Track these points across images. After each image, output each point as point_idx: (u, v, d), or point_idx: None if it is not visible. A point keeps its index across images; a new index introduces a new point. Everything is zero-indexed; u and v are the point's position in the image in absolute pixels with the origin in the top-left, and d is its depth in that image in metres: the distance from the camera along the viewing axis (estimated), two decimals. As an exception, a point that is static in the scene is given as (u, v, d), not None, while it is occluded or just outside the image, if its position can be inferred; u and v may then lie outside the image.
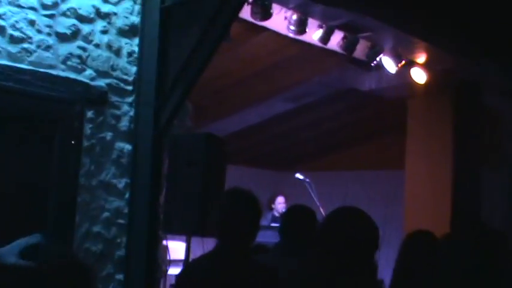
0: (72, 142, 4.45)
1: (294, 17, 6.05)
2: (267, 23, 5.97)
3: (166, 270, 5.55)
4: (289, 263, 3.23)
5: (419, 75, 7.33)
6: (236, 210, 3.04)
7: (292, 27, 6.10)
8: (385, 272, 4.75)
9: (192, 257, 4.84)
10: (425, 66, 7.31)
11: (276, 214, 8.37)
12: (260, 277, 2.94)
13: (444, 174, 8.10)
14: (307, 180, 7.87)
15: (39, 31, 4.40)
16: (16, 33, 4.29)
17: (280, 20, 6.07)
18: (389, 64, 7.07)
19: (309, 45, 6.58)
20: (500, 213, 8.14)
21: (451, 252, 3.21)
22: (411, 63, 7.28)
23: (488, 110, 8.22)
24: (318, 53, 6.88)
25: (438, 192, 8.07)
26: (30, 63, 4.33)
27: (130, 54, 4.90)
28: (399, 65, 7.12)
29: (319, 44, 6.49)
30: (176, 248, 5.82)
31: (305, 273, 2.70)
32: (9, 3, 4.27)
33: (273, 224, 7.43)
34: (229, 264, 2.98)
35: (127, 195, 4.75)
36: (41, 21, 4.42)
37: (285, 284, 2.80)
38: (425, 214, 7.92)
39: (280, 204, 8.57)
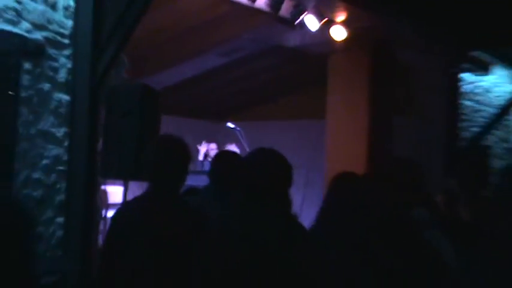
0: (10, 92, 4.20)
1: (224, -25, 5.87)
2: (199, -19, 5.77)
3: (106, 215, 5.45)
4: (214, 205, 3.21)
5: (339, 33, 7.29)
6: (166, 155, 2.98)
7: (222, -15, 5.92)
8: (311, 210, 4.76)
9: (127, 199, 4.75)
10: (345, 24, 7.27)
11: (209, 160, 8.31)
12: (188, 217, 2.89)
13: (361, 122, 8.20)
14: (238, 128, 7.82)
15: (-27, -17, 4.08)
16: (-51, -15, 3.96)
17: (212, -22, 5.88)
18: (311, 22, 6.99)
19: (239, 4, 6.41)
20: (408, 155, 8.34)
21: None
22: (332, 22, 7.22)
23: (402, 65, 8.32)
24: (247, 11, 6.73)
25: (355, 139, 8.18)
26: (-35, 15, 4.03)
27: (66, 8, 4.64)
28: (321, 23, 7.05)
29: (248, 3, 6.33)
30: (115, 192, 5.71)
31: (226, 214, 2.68)
32: None
33: (206, 168, 7.38)
34: (161, 205, 2.93)
35: (66, 143, 4.58)
36: (-25, -27, 4.10)
37: (212, 224, 2.74)
38: (344, 158, 8.02)
39: (212, 150, 8.51)
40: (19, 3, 4.31)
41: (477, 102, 9.92)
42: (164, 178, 2.97)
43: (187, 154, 3.07)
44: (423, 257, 2.74)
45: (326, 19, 7.13)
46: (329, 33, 7.26)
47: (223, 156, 4.04)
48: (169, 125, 5.17)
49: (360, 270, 2.73)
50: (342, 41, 7.39)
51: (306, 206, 8.55)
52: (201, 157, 8.37)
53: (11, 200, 1.70)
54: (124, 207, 3.29)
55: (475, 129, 9.65)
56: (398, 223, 2.94)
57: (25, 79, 4.33)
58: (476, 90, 9.89)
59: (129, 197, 4.77)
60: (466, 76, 9.40)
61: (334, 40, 7.39)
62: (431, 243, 3.00)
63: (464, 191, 6.14)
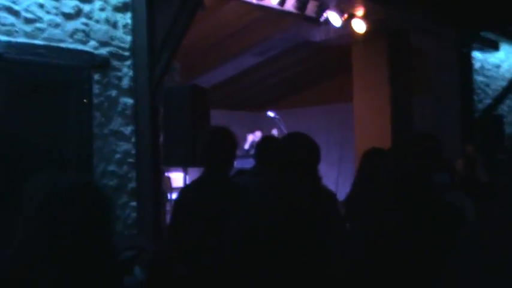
0: (85, 100, 4.42)
1: (255, -15, 5.95)
2: (233, -7, 5.87)
3: (169, 196, 5.63)
4: (258, 180, 3.30)
5: (359, 26, 7.29)
6: (216, 144, 3.05)
7: (254, -6, 6.01)
8: (346, 183, 4.82)
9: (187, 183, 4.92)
10: (364, 18, 7.26)
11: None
12: (235, 193, 2.98)
13: (384, 102, 8.16)
14: (277, 116, 7.92)
15: (48, 12, 4.30)
16: (29, 15, 4.19)
17: (244, -11, 5.98)
18: (334, 18, 7.01)
19: (269, 8, 6.48)
20: (426, 128, 8.30)
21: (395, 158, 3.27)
22: (352, 16, 7.22)
23: (415, 50, 8.25)
24: (277, 14, 6.80)
25: (379, 117, 8.15)
26: (44, 39, 4.25)
27: (125, 26, 4.81)
28: (343, 19, 7.07)
29: (278, 7, 6.40)
30: (177, 178, 5.88)
31: (262, 186, 2.78)
32: (20, -9, 4.16)
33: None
34: (213, 186, 3.02)
35: (133, 139, 4.77)
36: (49, 4, 4.31)
37: (254, 197, 2.85)
38: (371, 135, 8.03)
39: (257, 137, 8.62)
40: (86, 25, 4.52)
41: (488, 77, 9.73)
42: (215, 164, 3.04)
43: (233, 142, 3.13)
44: (444, 217, 2.74)
45: (347, 15, 7.13)
46: (350, 26, 7.26)
47: (265, 140, 4.13)
48: (217, 117, 5.29)
49: (385, 233, 2.73)
50: (363, 32, 7.38)
51: (341, 180, 8.61)
52: (247, 146, 8.49)
53: (95, 184, 1.72)
54: (184, 190, 3.40)
55: (487, 101, 9.49)
56: (420, 186, 2.92)
57: (96, 88, 4.54)
58: (487, 66, 9.70)
59: (189, 181, 4.96)
60: (477, 54, 9.24)
61: (355, 32, 7.39)
62: (452, 203, 3.01)
63: (481, 155, 6.12)
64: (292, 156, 2.61)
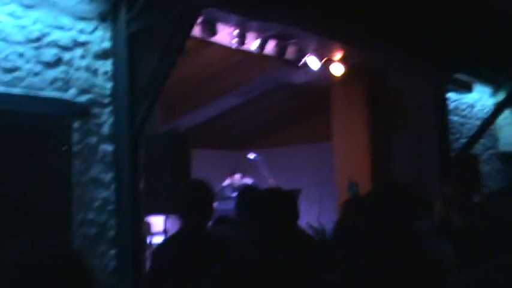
0: (63, 148, 4.33)
1: (236, 32, 5.97)
2: (214, 38, 5.87)
3: (150, 242, 5.50)
4: (239, 232, 3.27)
5: (337, 69, 7.35)
6: (193, 198, 3.04)
7: (234, 40, 6.02)
8: (327, 219, 4.78)
9: (169, 228, 4.82)
10: (342, 61, 7.33)
11: (234, 186, 8.32)
12: (214, 247, 2.94)
13: (362, 141, 8.22)
14: (257, 158, 7.86)
15: (27, 61, 4.23)
16: (8, 65, 4.11)
17: (225, 35, 5.98)
18: (313, 62, 7.06)
19: (250, 53, 6.51)
20: (407, 168, 8.32)
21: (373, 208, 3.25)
22: (331, 60, 7.28)
23: (393, 91, 8.34)
24: (257, 57, 6.82)
25: (359, 156, 8.18)
26: (23, 87, 4.17)
27: (105, 73, 4.77)
28: (321, 62, 7.12)
29: (257, 51, 6.43)
30: (157, 222, 5.77)
31: (245, 242, 2.76)
32: (0, 40, 4.09)
33: (233, 195, 7.39)
34: (190, 239, 3.00)
35: (113, 187, 4.67)
36: (28, 52, 4.25)
37: (235, 250, 2.83)
38: (351, 173, 8.03)
39: (237, 179, 8.53)
40: (66, 73, 4.45)
41: (463, 116, 9.86)
42: (192, 217, 3.03)
43: (210, 196, 3.12)
44: (423, 268, 2.72)
45: (325, 58, 7.19)
46: (329, 69, 7.32)
47: (246, 190, 4.06)
48: (199, 157, 5.22)
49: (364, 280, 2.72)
50: (341, 75, 7.44)
51: (322, 217, 8.54)
52: (225, 183, 8.39)
53: (69, 252, 1.61)
54: (162, 245, 3.35)
55: (463, 140, 9.58)
56: (398, 239, 2.89)
57: (75, 136, 4.45)
58: (462, 107, 9.84)
59: (169, 226, 4.85)
60: (452, 95, 9.37)
61: (334, 75, 7.45)
62: (431, 253, 2.97)
63: (458, 195, 6.10)
64: (271, 215, 2.60)
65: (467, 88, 9.41)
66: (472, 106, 10.08)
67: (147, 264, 4.87)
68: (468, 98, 9.89)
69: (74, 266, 1.54)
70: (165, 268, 2.98)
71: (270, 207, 2.68)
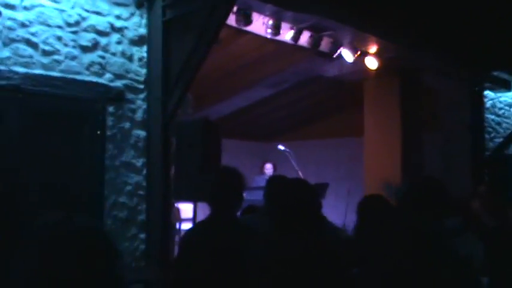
0: (98, 132, 4.44)
1: (270, 22, 5.99)
2: (249, 28, 5.91)
3: (179, 228, 5.60)
4: (265, 221, 3.29)
5: (371, 63, 7.31)
6: (224, 187, 3.06)
7: (269, 30, 6.05)
8: (353, 216, 4.84)
9: (198, 215, 4.90)
10: (376, 55, 7.28)
11: (266, 177, 8.36)
12: (243, 235, 2.97)
13: (394, 138, 8.16)
14: (288, 150, 7.89)
15: (65, 45, 4.36)
16: (47, 48, 4.24)
17: (260, 25, 6.01)
18: (347, 55, 7.03)
19: (283, 43, 6.53)
20: (437, 165, 8.24)
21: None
22: (365, 53, 7.24)
23: (426, 88, 8.26)
24: (290, 48, 6.84)
25: (390, 153, 8.13)
26: (60, 71, 4.29)
27: (140, 59, 4.86)
28: (355, 55, 7.09)
29: (291, 42, 6.44)
30: (186, 209, 5.87)
31: (271, 231, 2.80)
32: (40, 23, 4.22)
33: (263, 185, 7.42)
34: (219, 227, 3.03)
35: (144, 172, 4.76)
36: (67, 36, 4.37)
37: (262, 241, 2.86)
38: (381, 171, 8.01)
39: (268, 170, 8.58)
40: (103, 58, 4.56)
41: (499, 116, 9.70)
42: (222, 205, 3.07)
43: (241, 184, 3.15)
44: (452, 269, 2.71)
45: (360, 52, 7.16)
46: (363, 63, 7.28)
47: (273, 180, 4.09)
48: (227, 147, 5.26)
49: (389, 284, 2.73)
50: (375, 69, 7.40)
51: (349, 212, 8.54)
52: (266, 176, 8.46)
53: (101, 230, 1.65)
54: (191, 230, 3.41)
55: (498, 139, 9.42)
56: (425, 239, 2.88)
57: (109, 120, 4.56)
58: (498, 105, 9.67)
59: (198, 213, 4.93)
60: (489, 93, 9.23)
61: (367, 69, 7.41)
62: (460, 251, 2.97)
63: (494, 196, 6.01)
64: (293, 205, 2.64)
65: (505, 86, 9.24)
66: (510, 105, 9.90)
67: (176, 250, 4.99)
68: (506, 97, 9.71)
69: (101, 241, 1.58)
70: (193, 254, 3.02)
71: (292, 196, 2.71)
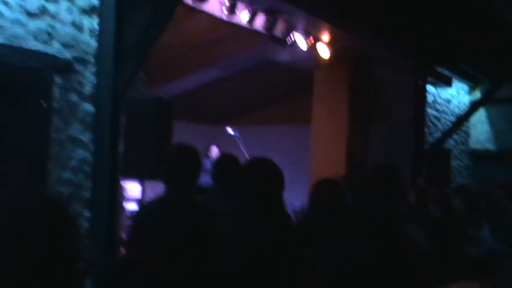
0: (43, 103, 4.20)
1: (226, 2, 5.87)
2: (204, 6, 5.76)
3: (124, 206, 5.42)
4: (221, 204, 3.22)
5: (324, 51, 7.34)
6: (181, 163, 2.95)
7: (224, 10, 5.93)
8: (296, 202, 4.83)
9: (145, 196, 4.76)
10: (329, 44, 7.31)
11: (211, 161, 8.29)
12: (203, 216, 2.88)
13: (341, 127, 8.25)
14: (236, 134, 7.82)
15: (11, 9, 4.07)
16: (-8, 11, 3.95)
17: (215, 4, 5.88)
18: (301, 42, 7.02)
19: (238, 26, 6.42)
20: (379, 156, 8.43)
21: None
22: (318, 41, 7.25)
23: (376, 78, 8.39)
24: (245, 32, 6.73)
25: (336, 141, 8.23)
26: (5, 38, 4.01)
27: (91, 30, 4.63)
28: (309, 43, 7.09)
29: (246, 25, 6.35)
30: (132, 188, 5.70)
31: (232, 213, 2.73)
32: (-15, -15, 3.92)
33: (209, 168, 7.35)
34: (178, 206, 2.91)
35: (91, 148, 4.57)
36: (13, 1, 4.08)
37: (220, 222, 2.78)
38: (326, 158, 8.08)
39: (214, 153, 8.50)
40: (51, 26, 4.30)
41: (439, 111, 10.02)
42: (180, 182, 2.95)
43: (199, 161, 3.05)
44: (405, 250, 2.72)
45: (313, 39, 7.16)
46: (316, 51, 7.29)
47: (224, 160, 4.00)
48: (176, 129, 5.15)
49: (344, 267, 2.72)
50: (327, 58, 7.43)
51: (292, 200, 8.60)
52: (212, 160, 8.38)
53: (51, 197, 1.52)
54: (145, 208, 3.29)
55: (437, 134, 9.75)
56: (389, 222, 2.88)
57: (56, 92, 4.33)
58: (439, 101, 9.99)
59: (146, 193, 4.79)
60: (431, 88, 9.51)
61: (319, 57, 7.43)
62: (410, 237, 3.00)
63: (431, 187, 6.21)
64: (260, 185, 2.58)
65: (447, 82, 9.56)
66: (449, 101, 10.25)
67: (125, 230, 4.83)
68: (446, 93, 10.05)
69: (60, 213, 1.47)
70: (149, 234, 2.89)
71: (256, 176, 2.64)
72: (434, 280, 2.63)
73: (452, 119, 9.99)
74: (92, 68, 4.61)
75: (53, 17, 4.31)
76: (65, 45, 4.40)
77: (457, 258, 4.20)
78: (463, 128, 10.61)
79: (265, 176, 2.62)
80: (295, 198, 8.21)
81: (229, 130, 7.92)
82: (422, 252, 2.68)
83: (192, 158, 3.02)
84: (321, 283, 2.64)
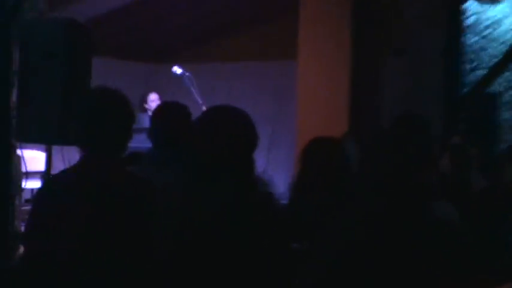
0: None
1: None
2: None
3: (22, 185, 5.43)
4: (163, 173, 3.23)
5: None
6: (103, 114, 2.96)
7: None
8: (276, 175, 4.88)
9: (53, 168, 4.75)
10: None
11: (150, 114, 8.32)
12: (134, 192, 2.90)
13: (342, 62, 8.28)
14: (187, 74, 7.78)
15: None
16: None
17: None
18: None
19: None
20: (398, 106, 8.51)
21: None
22: None
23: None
24: None
25: (335, 84, 8.27)
26: None
27: None
28: None
29: None
30: (35, 158, 5.69)
31: (179, 184, 2.78)
32: None
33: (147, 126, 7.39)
34: (97, 178, 2.92)
35: (-32, 99, 4.53)
36: None
37: (160, 198, 2.82)
38: (320, 112, 8.13)
39: (153, 102, 8.53)
40: None
41: (483, 37, 10.10)
42: (100, 144, 2.97)
43: (129, 111, 3.08)
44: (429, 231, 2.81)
45: None
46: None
47: (167, 110, 4.01)
48: (96, 68, 5.17)
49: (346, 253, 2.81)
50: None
51: (270, 171, 8.66)
52: (150, 112, 8.41)
53: None
54: (50, 184, 3.30)
55: (480, 71, 9.85)
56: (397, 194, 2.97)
57: None
58: (484, 24, 10.05)
59: (53, 165, 4.78)
60: (471, 5, 9.55)
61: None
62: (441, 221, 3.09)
63: (472, 149, 6.33)
64: (223, 147, 2.64)
65: (493, -3, 9.61)
66: (497, 23, 10.31)
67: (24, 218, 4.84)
68: (494, 12, 10.10)
69: None
70: (54, 217, 2.92)
71: (219, 137, 2.66)
72: (475, 278, 2.72)
73: (503, 49, 10.09)
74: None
75: None
76: None
77: (509, 247, 4.31)
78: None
79: (234, 134, 2.66)
80: (274, 167, 8.32)
81: (176, 69, 7.88)
82: (457, 240, 2.76)
83: (119, 109, 3.03)
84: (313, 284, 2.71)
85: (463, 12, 9.32)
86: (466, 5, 9.39)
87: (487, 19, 10.08)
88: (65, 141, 4.31)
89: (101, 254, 2.83)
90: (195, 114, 5.85)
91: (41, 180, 5.41)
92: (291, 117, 8.77)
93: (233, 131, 2.66)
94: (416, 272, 2.49)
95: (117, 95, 3.06)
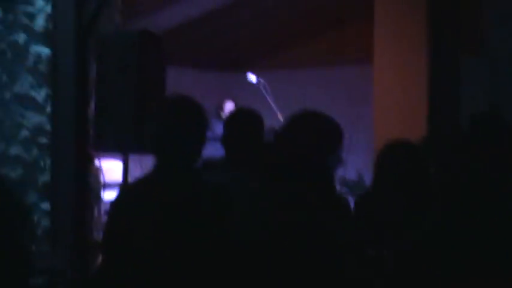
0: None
1: None
2: None
3: (101, 195, 5.53)
4: (237, 182, 3.24)
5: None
6: (177, 121, 2.99)
7: None
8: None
9: (130, 178, 4.84)
10: None
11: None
12: (209, 198, 2.92)
13: (419, 65, 8.17)
14: (262, 81, 7.83)
15: None
16: None
17: None
18: None
19: None
20: (480, 104, 8.34)
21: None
22: None
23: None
24: None
25: (412, 87, 8.16)
26: None
27: None
28: None
29: None
30: (112, 169, 5.79)
31: (256, 189, 2.81)
32: None
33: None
34: (172, 186, 2.95)
35: (48, 109, 4.65)
36: None
37: (238, 203, 2.84)
38: (398, 113, 8.04)
39: (228, 111, 8.54)
40: None
41: None
42: (175, 151, 2.99)
43: (203, 118, 3.08)
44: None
45: None
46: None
47: (238, 117, 4.03)
48: (171, 77, 5.22)
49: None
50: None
51: (349, 174, 8.64)
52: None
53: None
54: (125, 193, 3.35)
55: None
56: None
57: (-7, 29, 4.42)
58: None
59: (131, 174, 4.88)
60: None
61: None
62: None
63: None
64: (314, 147, 2.67)
65: None
66: None
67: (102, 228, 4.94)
68: None
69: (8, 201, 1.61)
70: (131, 225, 2.97)
71: (305, 139, 2.71)
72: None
73: None
74: (45, -7, 4.69)
75: None
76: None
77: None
78: None
79: (319, 139, 2.71)
80: (352, 170, 8.28)
81: (251, 77, 7.94)
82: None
83: (193, 116, 3.05)
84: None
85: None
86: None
87: None
88: (140, 149, 4.36)
89: (179, 262, 2.87)
90: (271, 121, 5.90)
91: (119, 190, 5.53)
92: (367, 122, 8.70)
93: (324, 134, 2.74)
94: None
95: (191, 103, 3.08)
